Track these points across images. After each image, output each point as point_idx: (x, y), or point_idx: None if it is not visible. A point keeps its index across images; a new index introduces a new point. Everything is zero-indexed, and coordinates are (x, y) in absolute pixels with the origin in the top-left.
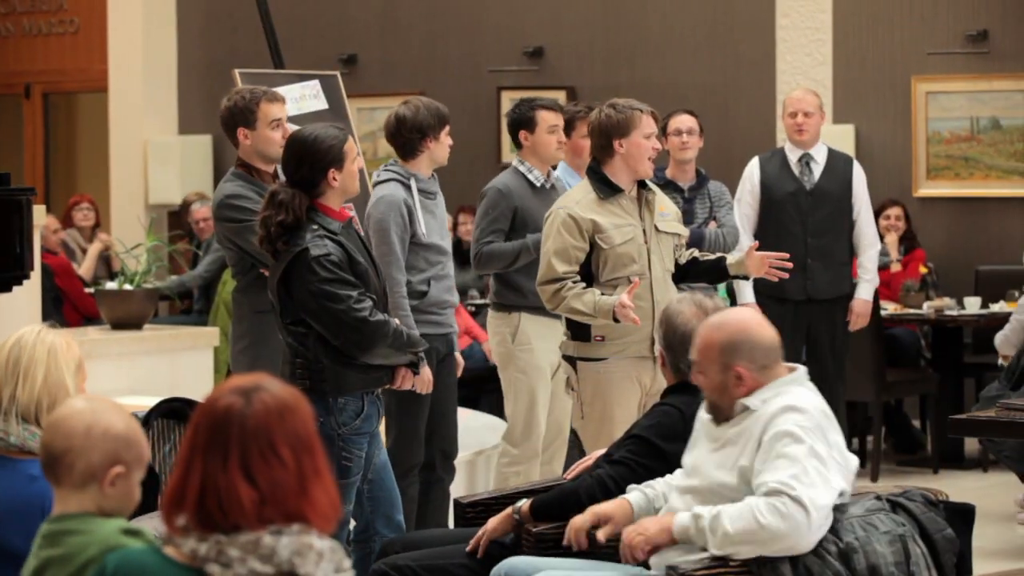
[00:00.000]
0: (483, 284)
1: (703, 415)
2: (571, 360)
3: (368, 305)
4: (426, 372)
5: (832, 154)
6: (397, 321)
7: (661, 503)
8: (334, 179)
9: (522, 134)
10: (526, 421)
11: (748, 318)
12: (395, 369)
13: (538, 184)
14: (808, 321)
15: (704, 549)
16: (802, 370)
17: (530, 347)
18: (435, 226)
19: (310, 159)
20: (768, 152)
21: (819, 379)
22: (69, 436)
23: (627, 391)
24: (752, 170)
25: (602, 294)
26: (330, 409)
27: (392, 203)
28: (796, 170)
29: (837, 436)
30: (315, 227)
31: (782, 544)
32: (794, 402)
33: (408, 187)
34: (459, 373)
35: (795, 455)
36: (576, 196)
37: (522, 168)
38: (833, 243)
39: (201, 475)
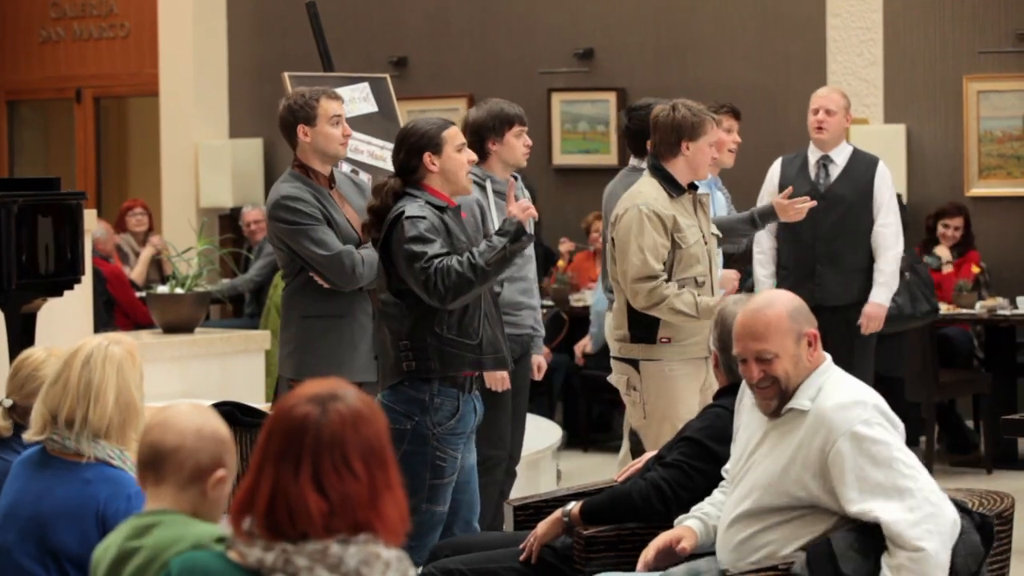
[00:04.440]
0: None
1: (754, 414)
2: (632, 362)
3: (451, 257)
4: (499, 372)
5: (855, 157)
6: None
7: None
8: (432, 163)
9: (648, 143)
10: None
11: (782, 291)
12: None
13: None
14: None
15: None
16: (829, 357)
17: None
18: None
19: (407, 144)
20: (793, 153)
21: None
22: (181, 434)
23: (690, 390)
24: (773, 170)
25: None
26: (426, 408)
27: (463, 203)
28: (813, 172)
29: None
30: (418, 198)
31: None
32: (846, 398)
33: (483, 188)
34: (539, 376)
35: (894, 481)
36: (651, 193)
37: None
38: (844, 248)
39: (272, 482)
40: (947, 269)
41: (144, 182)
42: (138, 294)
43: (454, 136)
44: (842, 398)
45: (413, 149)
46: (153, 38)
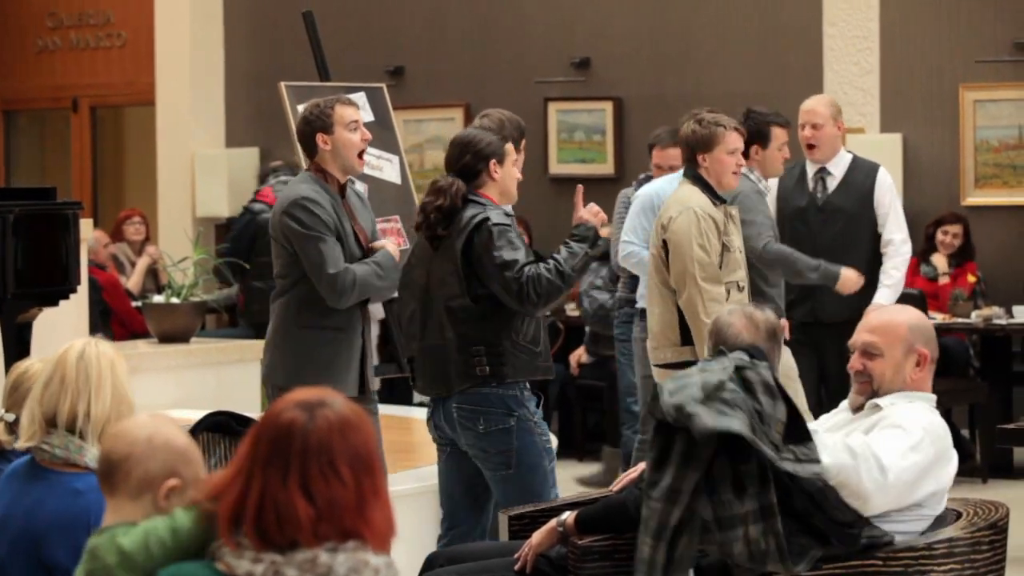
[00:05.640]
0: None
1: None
2: (690, 363)
3: (537, 265)
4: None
5: (855, 165)
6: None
7: None
8: (495, 171)
9: (754, 148)
10: None
11: (916, 309)
12: None
13: (764, 195)
14: (815, 344)
15: None
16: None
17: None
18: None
19: (473, 148)
20: (792, 162)
21: (831, 405)
22: (131, 443)
23: None
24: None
25: None
26: (520, 401)
27: None
28: (811, 184)
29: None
30: (485, 205)
31: (851, 488)
32: (926, 416)
33: None
34: None
35: (895, 436)
36: (698, 199)
37: (752, 176)
38: (843, 262)
39: (260, 489)
40: (943, 280)
41: (140, 191)
42: (134, 303)
43: (511, 150)
44: (921, 411)
45: (481, 155)
46: (150, 47)
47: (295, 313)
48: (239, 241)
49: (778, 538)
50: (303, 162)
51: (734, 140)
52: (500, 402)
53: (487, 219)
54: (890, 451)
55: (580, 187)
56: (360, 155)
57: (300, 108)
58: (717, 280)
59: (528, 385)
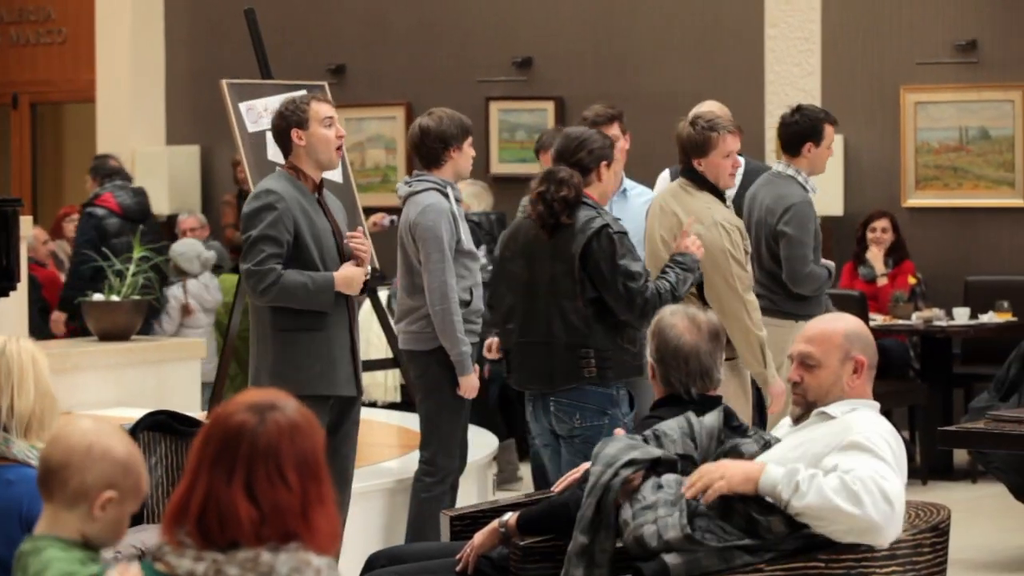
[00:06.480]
0: None
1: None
2: None
3: (654, 283)
4: (473, 378)
5: (749, 168)
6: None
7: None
8: (603, 172)
9: (807, 146)
10: None
11: (853, 317)
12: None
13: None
14: None
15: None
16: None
17: None
18: (467, 234)
19: (591, 144)
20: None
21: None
22: (69, 451)
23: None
24: (662, 182)
25: None
26: (616, 401)
27: (441, 211)
28: None
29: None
30: (594, 209)
31: (863, 536)
32: (880, 425)
33: (447, 195)
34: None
35: (871, 458)
36: (720, 212)
37: (799, 178)
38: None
39: (205, 488)
40: (882, 281)
41: (80, 189)
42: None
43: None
44: (874, 420)
45: (595, 154)
46: (90, 44)
47: (271, 317)
48: (86, 245)
49: (682, 514)
50: (243, 160)
51: (730, 143)
52: (597, 400)
53: (607, 226)
54: (884, 478)
55: (691, 219)
56: (337, 149)
57: (241, 106)
58: (750, 287)
59: (622, 384)
